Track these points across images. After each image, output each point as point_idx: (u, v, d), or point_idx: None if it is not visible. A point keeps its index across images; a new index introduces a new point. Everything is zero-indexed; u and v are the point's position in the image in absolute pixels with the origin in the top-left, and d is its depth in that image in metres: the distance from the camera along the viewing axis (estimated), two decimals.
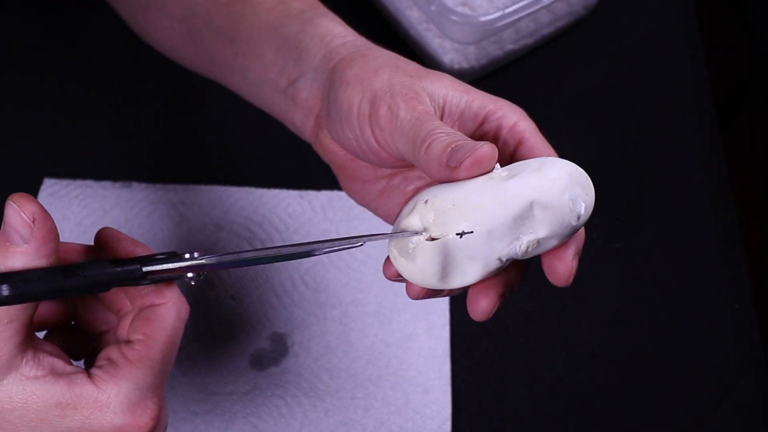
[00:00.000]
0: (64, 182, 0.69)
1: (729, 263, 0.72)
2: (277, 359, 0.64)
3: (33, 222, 0.40)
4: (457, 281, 0.42)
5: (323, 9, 0.53)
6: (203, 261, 0.42)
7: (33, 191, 0.69)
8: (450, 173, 0.41)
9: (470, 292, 0.43)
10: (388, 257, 0.44)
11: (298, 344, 0.65)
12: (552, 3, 0.73)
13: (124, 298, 0.46)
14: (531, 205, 0.41)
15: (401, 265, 0.42)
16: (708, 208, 0.75)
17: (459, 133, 0.43)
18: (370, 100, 0.45)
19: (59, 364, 0.43)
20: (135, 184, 0.70)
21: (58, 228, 0.41)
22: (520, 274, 0.45)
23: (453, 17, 0.71)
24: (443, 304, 0.67)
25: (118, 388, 0.42)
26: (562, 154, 0.76)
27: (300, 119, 0.52)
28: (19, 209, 0.40)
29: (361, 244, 0.42)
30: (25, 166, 0.71)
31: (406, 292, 0.44)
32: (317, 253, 0.42)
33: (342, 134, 0.48)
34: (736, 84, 1.34)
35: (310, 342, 0.65)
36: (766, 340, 0.72)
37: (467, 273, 0.41)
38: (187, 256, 0.43)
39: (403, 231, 0.42)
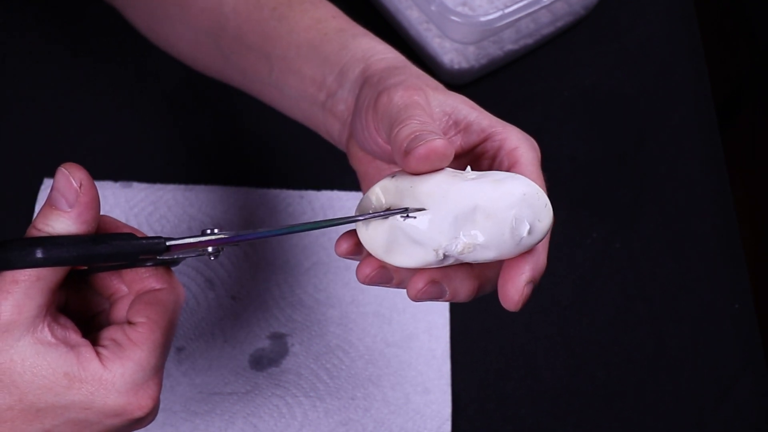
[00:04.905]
0: None
1: (729, 263, 0.72)
2: (277, 359, 0.64)
3: (80, 188, 0.42)
4: (398, 260, 0.43)
5: (361, 29, 0.55)
6: (223, 235, 0.44)
7: (33, 191, 0.69)
8: (403, 159, 0.42)
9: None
10: (341, 237, 0.45)
11: (298, 344, 0.65)
12: (552, 3, 0.73)
13: (119, 283, 0.47)
14: (475, 209, 0.41)
15: (359, 226, 0.44)
16: (708, 208, 0.75)
17: (433, 124, 0.44)
18: (379, 91, 0.47)
19: (72, 335, 0.44)
20: (135, 184, 0.70)
21: None
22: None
23: (453, 17, 0.71)
24: (443, 303, 0.67)
25: (124, 368, 0.43)
26: (562, 154, 0.76)
27: (338, 130, 0.53)
28: (69, 174, 0.42)
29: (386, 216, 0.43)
30: (25, 166, 0.71)
31: (356, 274, 0.45)
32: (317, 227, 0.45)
33: (356, 128, 0.49)
34: (736, 84, 1.34)
35: (310, 342, 0.65)
36: (766, 340, 0.72)
37: (405, 254, 0.43)
38: (207, 231, 0.44)
39: (368, 197, 0.45)
